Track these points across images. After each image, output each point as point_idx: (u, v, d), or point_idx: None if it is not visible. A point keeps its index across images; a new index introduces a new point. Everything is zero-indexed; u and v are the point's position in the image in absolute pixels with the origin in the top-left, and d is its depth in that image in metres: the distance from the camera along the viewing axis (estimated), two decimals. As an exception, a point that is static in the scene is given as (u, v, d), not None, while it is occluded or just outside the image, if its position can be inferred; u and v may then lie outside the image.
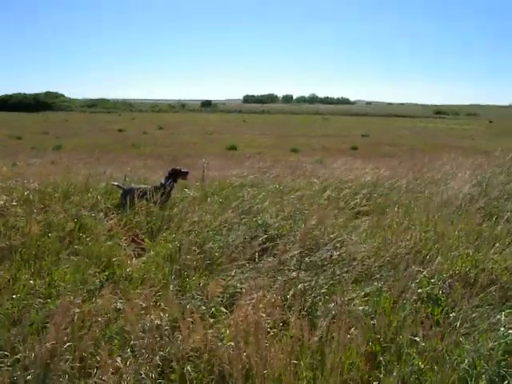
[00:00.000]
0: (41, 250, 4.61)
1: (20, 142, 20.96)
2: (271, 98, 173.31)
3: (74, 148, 18.20)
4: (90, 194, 6.91)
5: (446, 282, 4.16)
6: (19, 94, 70.64)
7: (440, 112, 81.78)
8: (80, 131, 28.57)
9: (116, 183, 7.11)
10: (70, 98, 79.33)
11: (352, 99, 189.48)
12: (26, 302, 3.30)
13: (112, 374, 2.26)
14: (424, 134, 33.07)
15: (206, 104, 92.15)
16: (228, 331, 2.55)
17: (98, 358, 2.44)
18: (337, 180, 7.96)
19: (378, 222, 5.76)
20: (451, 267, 4.46)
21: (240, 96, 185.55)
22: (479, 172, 8.39)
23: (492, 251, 4.90)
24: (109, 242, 4.77)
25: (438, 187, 7.70)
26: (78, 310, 2.75)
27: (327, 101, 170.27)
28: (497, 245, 5.04)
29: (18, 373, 2.29)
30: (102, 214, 6.08)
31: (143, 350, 2.53)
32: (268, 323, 2.68)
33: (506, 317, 3.32)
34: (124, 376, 2.27)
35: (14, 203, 6.37)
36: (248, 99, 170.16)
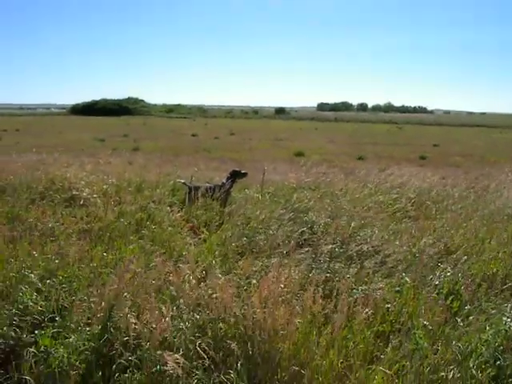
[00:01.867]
0: (114, 233, 5.41)
1: (103, 144, 22.67)
2: (345, 106, 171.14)
3: (150, 150, 19.48)
4: (159, 190, 7.76)
5: (473, 281, 4.46)
6: (104, 99, 75.29)
7: (525, 122, 77.03)
8: (156, 135, 30.26)
9: (182, 181, 7.90)
10: (149, 104, 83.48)
11: (430, 108, 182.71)
12: (100, 270, 4.05)
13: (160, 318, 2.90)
14: (499, 145, 31.72)
15: (280, 111, 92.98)
16: (253, 299, 3.10)
17: (148, 304, 3.09)
18: (388, 185, 8.27)
19: (420, 225, 6.08)
20: (482, 268, 4.74)
21: (314, 104, 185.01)
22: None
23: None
24: (170, 229, 5.46)
25: (492, 195, 7.82)
26: (136, 269, 3.47)
27: (403, 109, 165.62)
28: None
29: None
30: (168, 207, 6.87)
31: (185, 307, 3.17)
32: (287, 293, 3.22)
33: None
34: (167, 317, 2.92)
35: (95, 195, 7.34)
36: (322, 107, 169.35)
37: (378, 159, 19.48)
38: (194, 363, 2.90)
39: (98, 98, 76.24)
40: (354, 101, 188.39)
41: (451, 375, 2.88)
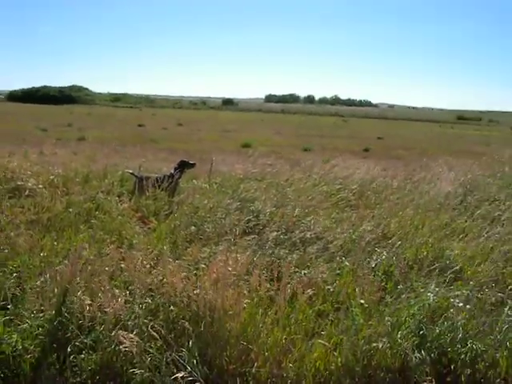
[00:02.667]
0: (63, 223, 5.43)
1: (46, 134, 21.98)
2: (293, 98, 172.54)
3: (96, 140, 19.11)
4: (107, 181, 7.76)
5: (406, 263, 4.86)
6: (45, 86, 72.42)
7: (462, 118, 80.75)
8: (102, 124, 29.61)
9: (130, 171, 7.94)
10: (94, 92, 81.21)
11: (375, 102, 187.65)
12: (49, 260, 4.10)
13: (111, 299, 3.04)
14: (439, 139, 33.29)
15: (227, 102, 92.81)
16: (203, 282, 3.30)
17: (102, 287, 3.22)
18: (332, 176, 8.65)
19: (360, 214, 6.45)
20: (414, 252, 5.16)
21: (262, 95, 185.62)
22: (467, 174, 8.99)
23: (456, 242, 5.60)
24: (120, 217, 5.54)
25: (427, 186, 8.36)
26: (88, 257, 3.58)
27: (349, 102, 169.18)
28: (460, 236, 5.71)
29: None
30: (117, 197, 6.91)
31: (138, 292, 3.32)
32: (234, 276, 3.44)
33: (436, 287, 3.99)
34: (119, 300, 3.07)
35: (41, 186, 7.25)
36: (270, 98, 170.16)
37: (323, 151, 20.03)
38: (148, 344, 3.07)
39: (38, 84, 73.21)
40: (302, 93, 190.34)
41: (381, 345, 3.19)
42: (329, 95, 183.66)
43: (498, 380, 3.19)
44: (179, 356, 2.97)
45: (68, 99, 65.81)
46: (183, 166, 7.81)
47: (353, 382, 3.13)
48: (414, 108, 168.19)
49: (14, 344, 2.90)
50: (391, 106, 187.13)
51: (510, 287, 4.34)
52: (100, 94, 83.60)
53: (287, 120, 51.37)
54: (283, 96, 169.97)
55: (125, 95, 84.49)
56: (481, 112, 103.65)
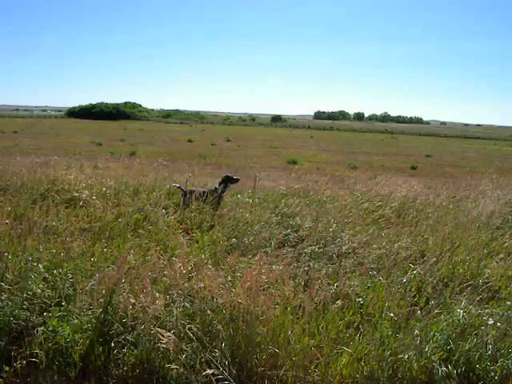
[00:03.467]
0: (113, 232, 5.81)
1: (100, 148, 23.06)
2: (342, 115, 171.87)
3: (147, 155, 19.84)
4: (155, 194, 8.16)
5: (441, 280, 4.90)
6: (102, 103, 75.73)
7: (520, 135, 77.76)
8: (153, 140, 30.73)
9: (177, 185, 8.31)
10: (146, 109, 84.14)
11: (426, 119, 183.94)
12: (99, 264, 4.45)
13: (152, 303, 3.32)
14: (492, 157, 32.31)
15: (276, 119, 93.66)
16: (237, 288, 3.53)
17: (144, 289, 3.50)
18: (373, 193, 8.70)
19: (399, 231, 6.51)
20: (451, 270, 5.18)
21: (311, 112, 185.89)
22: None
23: (495, 261, 5.56)
24: (165, 228, 5.87)
25: (470, 205, 8.27)
26: (133, 262, 3.88)
27: (400, 119, 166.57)
28: (501, 256, 5.66)
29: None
30: (163, 210, 7.27)
31: (177, 297, 3.59)
32: (266, 284, 3.64)
33: (470, 304, 4.03)
34: (160, 302, 3.34)
35: (94, 197, 7.74)
36: (319, 115, 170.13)
37: (369, 168, 19.93)
38: (184, 344, 3.31)
39: (94, 101, 76.64)
40: (351, 110, 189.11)
41: (407, 357, 3.30)
42: (379, 112, 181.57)
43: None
44: (212, 356, 3.19)
45: (122, 115, 68.52)
46: (227, 180, 8.11)
47: (378, 390, 3.25)
48: (466, 125, 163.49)
49: (66, 336, 3.22)
50: (443, 123, 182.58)
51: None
52: (152, 110, 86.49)
53: (335, 137, 51.29)
54: (332, 113, 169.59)
55: (176, 111, 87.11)
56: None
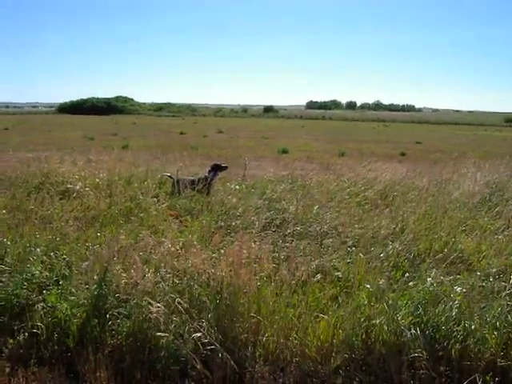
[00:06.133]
0: (106, 219, 6.08)
1: (93, 142, 23.19)
2: (335, 105, 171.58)
3: (139, 148, 20.07)
4: (146, 183, 8.42)
5: (417, 256, 5.21)
6: (93, 98, 75.41)
7: (511, 120, 78.14)
8: (145, 133, 30.85)
9: (168, 174, 8.58)
10: (138, 102, 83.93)
11: (418, 106, 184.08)
12: (94, 248, 4.71)
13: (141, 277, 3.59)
14: (482, 142, 32.66)
15: (268, 109, 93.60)
16: (221, 263, 3.82)
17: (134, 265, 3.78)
18: (360, 178, 8.98)
19: (382, 212, 6.80)
20: (429, 246, 5.49)
21: (303, 102, 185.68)
22: (493, 175, 9.14)
23: (470, 238, 5.87)
24: (155, 213, 6.14)
25: (452, 186, 8.59)
26: (125, 243, 4.17)
27: (392, 108, 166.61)
28: (476, 232, 5.97)
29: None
30: (154, 198, 7.53)
31: (165, 271, 3.87)
32: (247, 258, 3.93)
33: (442, 276, 4.33)
34: (150, 278, 3.62)
35: (87, 188, 7.99)
36: (311, 105, 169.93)
37: (359, 156, 20.18)
38: (174, 316, 3.59)
39: (85, 96, 76.32)
40: (343, 99, 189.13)
41: (379, 322, 3.59)
42: (371, 101, 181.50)
43: (487, 355, 3.52)
44: (199, 326, 3.47)
45: (114, 110, 68.36)
46: (216, 168, 8.39)
47: (352, 352, 3.55)
48: (458, 111, 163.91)
49: (64, 311, 3.51)
50: (435, 110, 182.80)
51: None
52: (144, 103, 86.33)
53: (327, 126, 51.49)
54: (324, 102, 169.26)
55: (168, 104, 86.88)
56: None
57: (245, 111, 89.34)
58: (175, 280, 3.88)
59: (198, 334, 3.26)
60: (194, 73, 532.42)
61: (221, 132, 34.92)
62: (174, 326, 3.45)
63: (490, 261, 5.14)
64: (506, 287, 4.34)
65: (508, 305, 3.97)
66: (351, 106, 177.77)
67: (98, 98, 75.33)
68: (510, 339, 3.64)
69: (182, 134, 31.76)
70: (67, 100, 76.81)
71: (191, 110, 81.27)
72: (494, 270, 4.80)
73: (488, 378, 3.36)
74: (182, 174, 9.26)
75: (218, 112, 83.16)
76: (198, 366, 3.34)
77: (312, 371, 3.53)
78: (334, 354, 3.56)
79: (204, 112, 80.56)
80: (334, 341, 3.59)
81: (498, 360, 3.51)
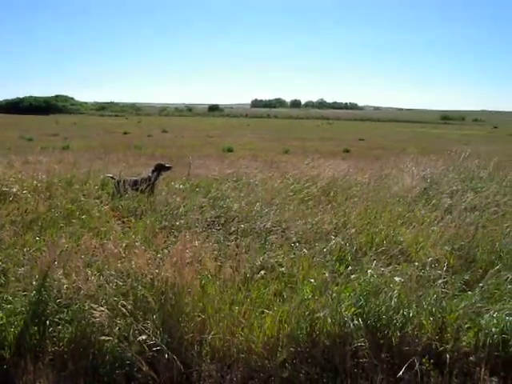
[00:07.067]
0: (45, 223, 5.86)
1: (31, 143, 22.28)
2: (279, 103, 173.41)
3: (81, 149, 19.50)
4: (88, 184, 8.19)
5: (360, 249, 5.37)
6: (30, 97, 72.44)
7: (447, 118, 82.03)
8: (87, 133, 30.00)
9: (110, 175, 8.39)
10: (79, 102, 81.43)
11: (361, 104, 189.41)
12: (32, 253, 4.54)
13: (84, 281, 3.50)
14: (420, 139, 34.02)
15: (213, 108, 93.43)
16: (165, 263, 3.78)
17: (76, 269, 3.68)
18: (303, 175, 9.14)
19: (325, 208, 6.95)
20: (370, 239, 5.67)
21: (248, 101, 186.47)
22: (430, 169, 9.57)
23: (409, 230, 6.11)
24: (98, 214, 5.99)
25: (392, 181, 8.91)
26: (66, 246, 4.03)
27: (335, 106, 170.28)
28: (414, 224, 6.23)
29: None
30: (97, 200, 7.34)
31: (109, 274, 3.79)
32: (190, 258, 3.92)
33: (382, 267, 4.49)
34: (93, 281, 3.53)
35: (25, 191, 7.66)
36: (256, 104, 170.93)
37: (303, 153, 20.50)
38: (118, 319, 3.52)
39: (22, 95, 73.17)
40: (288, 98, 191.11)
41: (322, 314, 3.68)
42: (315, 99, 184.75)
43: (424, 339, 3.70)
44: (145, 327, 3.43)
45: (54, 109, 65.97)
46: (160, 168, 8.29)
47: (297, 346, 3.62)
48: (399, 109, 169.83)
49: (-1, 320, 3.36)
50: (377, 108, 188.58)
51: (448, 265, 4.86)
52: (86, 103, 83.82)
53: (272, 124, 51.95)
54: (269, 101, 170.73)
55: (111, 104, 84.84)
56: (473, 112, 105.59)
57: (190, 110, 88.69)
58: (119, 282, 3.80)
59: (144, 336, 3.22)
60: (138, 72, 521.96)
61: (165, 131, 34.50)
62: (119, 329, 3.39)
63: (427, 251, 5.38)
64: (441, 275, 4.58)
65: (442, 291, 4.20)
66: (296, 104, 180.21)
67: (35, 97, 72.42)
68: (444, 323, 3.85)
69: (125, 133, 31.13)
70: (0, 99, 73.36)
71: (135, 110, 79.80)
72: (430, 259, 5.01)
73: (424, 361, 3.54)
74: (125, 174, 9.08)
75: (163, 111, 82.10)
76: (144, 369, 3.31)
77: (259, 366, 3.57)
78: (279, 349, 3.62)
79: (148, 111, 79.28)
80: (280, 335, 3.65)
81: (434, 343, 3.70)
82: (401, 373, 3.46)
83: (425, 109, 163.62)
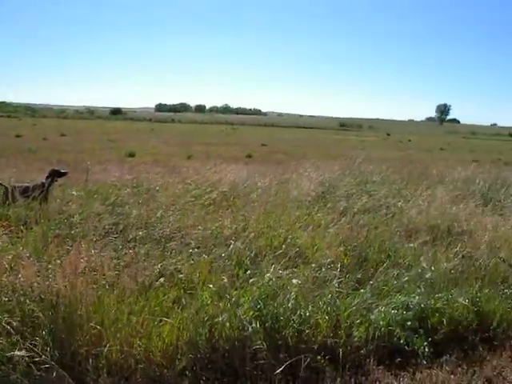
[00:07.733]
0: None
1: None
2: (184, 107, 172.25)
3: (-35, 152, 17.89)
4: (-29, 192, 7.53)
5: (258, 253, 5.48)
6: None
7: (345, 125, 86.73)
8: (-27, 136, 27.62)
9: (-2, 181, 7.78)
10: (-36, 101, 74.85)
11: (264, 110, 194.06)
12: None
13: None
14: (320, 144, 35.51)
15: (116, 112, 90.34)
16: (56, 274, 3.59)
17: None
18: (205, 180, 9.15)
19: (225, 213, 7.01)
20: (269, 243, 5.80)
21: (152, 105, 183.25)
22: (327, 174, 10.05)
23: (307, 232, 6.35)
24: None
25: (291, 185, 9.21)
26: None
27: (240, 111, 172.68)
28: (310, 227, 6.49)
29: None
30: (-18, 209, 6.78)
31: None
32: (84, 268, 3.77)
33: (280, 270, 4.63)
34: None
35: None
36: (161, 108, 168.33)
37: (207, 158, 20.49)
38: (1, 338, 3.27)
39: None
40: (192, 102, 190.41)
41: (221, 319, 3.71)
42: (219, 104, 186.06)
43: (320, 337, 3.87)
44: (33, 345, 3.22)
45: None
46: (54, 174, 7.86)
47: (197, 352, 3.61)
48: (301, 116, 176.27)
49: None
50: (280, 115, 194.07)
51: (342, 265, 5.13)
52: (-28, 102, 77.22)
53: (177, 129, 51.37)
54: (174, 105, 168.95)
55: (2, 104, 78.85)
56: (368, 119, 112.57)
57: (91, 113, 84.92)
58: (3, 298, 3.54)
59: (29, 354, 3.01)
60: (34, 71, 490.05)
61: (63, 135, 32.72)
62: (2, 350, 3.15)
63: (323, 252, 5.63)
64: (336, 275, 4.82)
65: (337, 291, 4.43)
66: (200, 109, 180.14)
67: None
68: (339, 321, 4.06)
69: (18, 136, 29.02)
70: None
71: (30, 111, 74.74)
72: (327, 260, 5.25)
73: (320, 358, 3.70)
74: (16, 180, 8.49)
75: (62, 113, 77.80)
76: (31, 390, 3.10)
77: (158, 376, 3.51)
78: (179, 356, 3.59)
79: (45, 113, 74.64)
80: (179, 343, 3.62)
81: (329, 340, 3.88)
82: (301, 372, 3.59)
83: (324, 115, 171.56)
